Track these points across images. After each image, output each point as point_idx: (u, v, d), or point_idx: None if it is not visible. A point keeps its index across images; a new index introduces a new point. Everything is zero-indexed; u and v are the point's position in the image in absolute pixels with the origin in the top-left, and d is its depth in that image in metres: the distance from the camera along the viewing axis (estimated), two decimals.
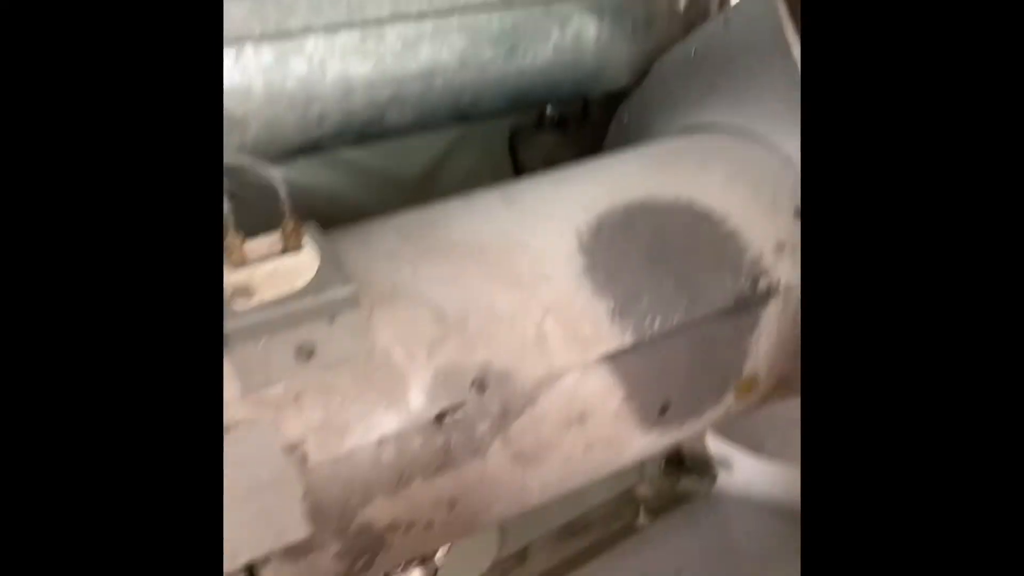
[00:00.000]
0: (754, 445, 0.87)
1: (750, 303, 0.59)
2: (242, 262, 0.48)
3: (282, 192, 0.47)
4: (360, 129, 0.61)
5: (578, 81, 0.71)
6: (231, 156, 0.48)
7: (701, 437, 0.89)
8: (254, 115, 0.54)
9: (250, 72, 0.52)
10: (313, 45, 0.55)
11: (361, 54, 0.57)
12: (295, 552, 0.47)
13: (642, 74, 0.75)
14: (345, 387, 0.47)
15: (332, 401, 0.47)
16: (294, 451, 0.46)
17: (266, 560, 0.46)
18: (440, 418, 0.49)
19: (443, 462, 0.50)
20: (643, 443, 0.59)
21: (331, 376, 0.47)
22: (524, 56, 0.66)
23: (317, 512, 0.47)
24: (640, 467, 0.91)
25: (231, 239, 0.48)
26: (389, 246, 0.54)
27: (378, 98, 0.60)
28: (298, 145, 0.59)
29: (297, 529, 0.46)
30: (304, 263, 0.49)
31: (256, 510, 0.45)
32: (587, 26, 0.68)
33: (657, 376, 0.57)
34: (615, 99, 0.77)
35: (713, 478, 0.90)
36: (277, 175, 0.49)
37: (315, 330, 0.47)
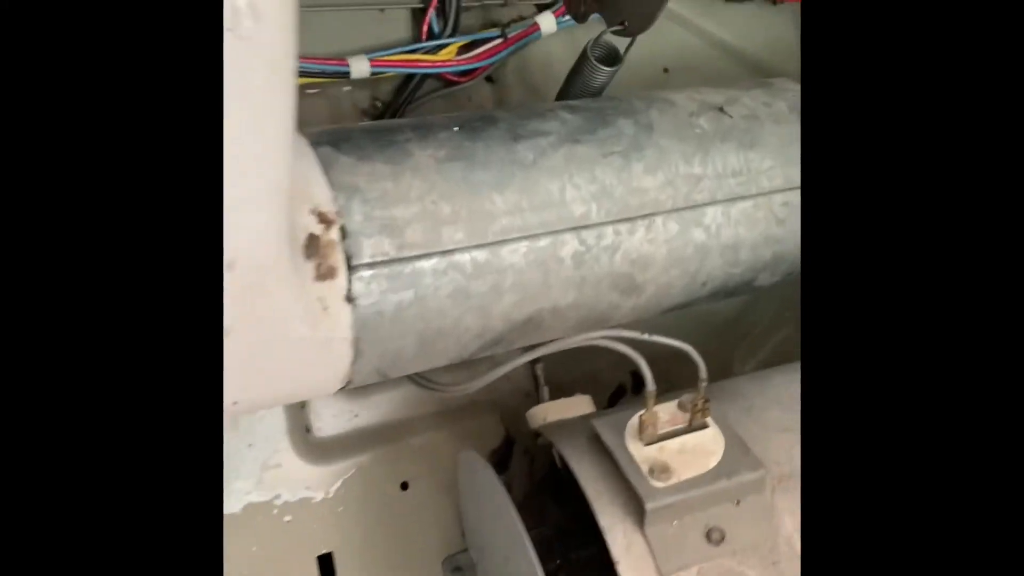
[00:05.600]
0: None
1: None
2: (654, 438, 0.50)
3: (701, 368, 0.49)
4: (732, 289, 0.62)
5: None
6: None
7: None
8: (651, 281, 0.56)
9: (658, 242, 0.55)
10: (712, 215, 0.57)
11: (751, 221, 0.58)
12: None
13: None
14: (753, 574, 0.47)
15: None
16: None
17: None
18: None
19: None
20: None
21: (739, 562, 0.47)
22: None
23: None
24: None
25: (648, 415, 0.50)
26: (776, 417, 0.54)
27: (758, 261, 0.60)
28: (678, 306, 0.61)
29: None
30: (710, 441, 0.50)
31: None
32: None
33: None
34: None
35: None
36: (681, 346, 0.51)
37: (723, 513, 0.48)
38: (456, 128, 0.52)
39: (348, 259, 0.45)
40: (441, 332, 0.50)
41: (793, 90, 0.65)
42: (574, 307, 0.54)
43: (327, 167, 0.47)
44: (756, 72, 0.87)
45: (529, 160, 0.52)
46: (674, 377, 0.60)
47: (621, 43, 0.64)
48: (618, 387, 0.82)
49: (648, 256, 0.55)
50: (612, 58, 0.64)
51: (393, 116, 0.71)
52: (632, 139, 0.56)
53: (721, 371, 0.86)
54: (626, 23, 0.61)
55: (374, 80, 0.70)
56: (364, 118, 0.70)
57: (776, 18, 0.87)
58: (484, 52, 0.71)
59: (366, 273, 0.46)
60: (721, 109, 0.60)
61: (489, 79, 0.76)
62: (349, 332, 0.46)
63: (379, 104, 0.70)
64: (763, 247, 0.60)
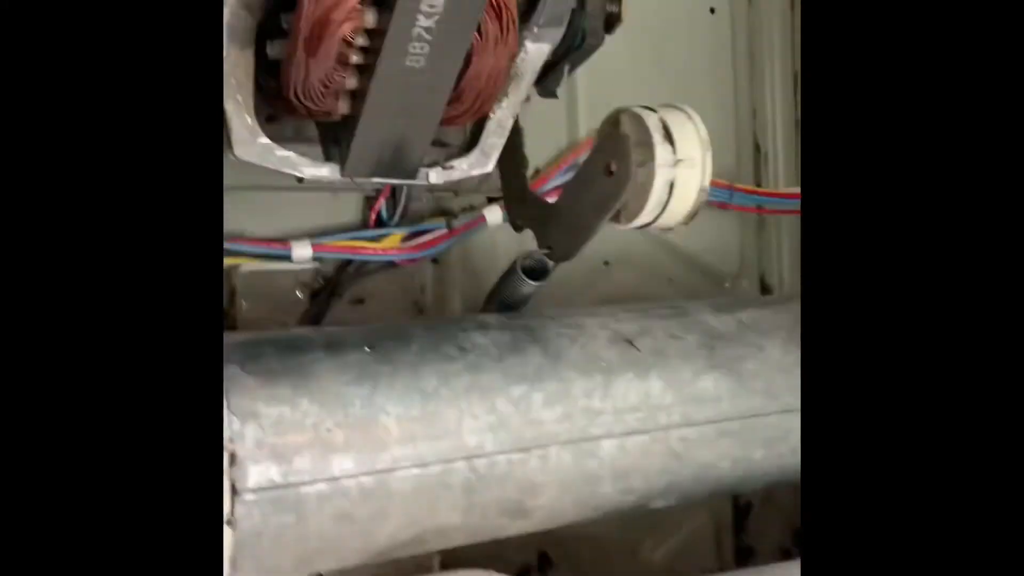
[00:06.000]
0: None
1: None
2: None
3: None
4: (626, 512, 0.65)
5: None
6: None
7: None
8: (541, 507, 0.59)
9: (550, 472, 0.58)
10: (607, 447, 0.59)
11: (647, 454, 0.61)
12: None
13: None
14: None
15: None
16: None
17: None
18: None
19: None
20: None
21: None
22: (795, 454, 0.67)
23: None
24: None
25: None
26: None
27: (653, 490, 0.63)
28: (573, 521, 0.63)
29: None
30: None
31: None
32: None
33: None
34: None
35: None
36: None
37: None
38: (367, 349, 0.55)
39: (233, 484, 0.48)
40: (321, 551, 0.52)
41: (704, 322, 0.68)
42: (460, 528, 0.57)
43: (229, 389, 0.50)
44: (696, 271, 0.92)
45: (432, 388, 0.55)
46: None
47: None
48: (522, 567, 0.84)
49: (540, 484, 0.58)
50: (540, 273, 0.67)
51: (334, 293, 0.74)
52: (537, 370, 0.59)
53: (628, 554, 0.88)
54: (552, 248, 0.65)
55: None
56: (305, 292, 0.73)
57: (721, 221, 0.92)
58: (427, 242, 0.75)
59: (249, 498, 0.48)
60: (630, 342, 0.63)
61: (435, 260, 0.80)
62: (228, 551, 0.48)
63: (322, 280, 0.74)
64: (657, 477, 0.63)
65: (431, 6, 0.45)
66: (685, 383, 0.63)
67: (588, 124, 0.86)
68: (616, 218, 0.59)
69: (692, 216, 0.57)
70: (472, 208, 0.79)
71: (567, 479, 0.59)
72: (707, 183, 0.56)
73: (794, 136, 0.96)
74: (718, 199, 0.87)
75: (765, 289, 0.97)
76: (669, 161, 0.54)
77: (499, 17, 0.50)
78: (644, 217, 0.57)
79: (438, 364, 0.56)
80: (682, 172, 0.55)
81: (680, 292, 0.91)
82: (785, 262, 0.97)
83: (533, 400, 0.58)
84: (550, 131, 0.84)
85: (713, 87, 0.93)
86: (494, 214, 0.78)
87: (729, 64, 0.94)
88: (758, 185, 0.95)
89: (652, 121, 0.55)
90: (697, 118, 0.57)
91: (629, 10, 0.85)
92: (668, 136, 0.55)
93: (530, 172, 0.82)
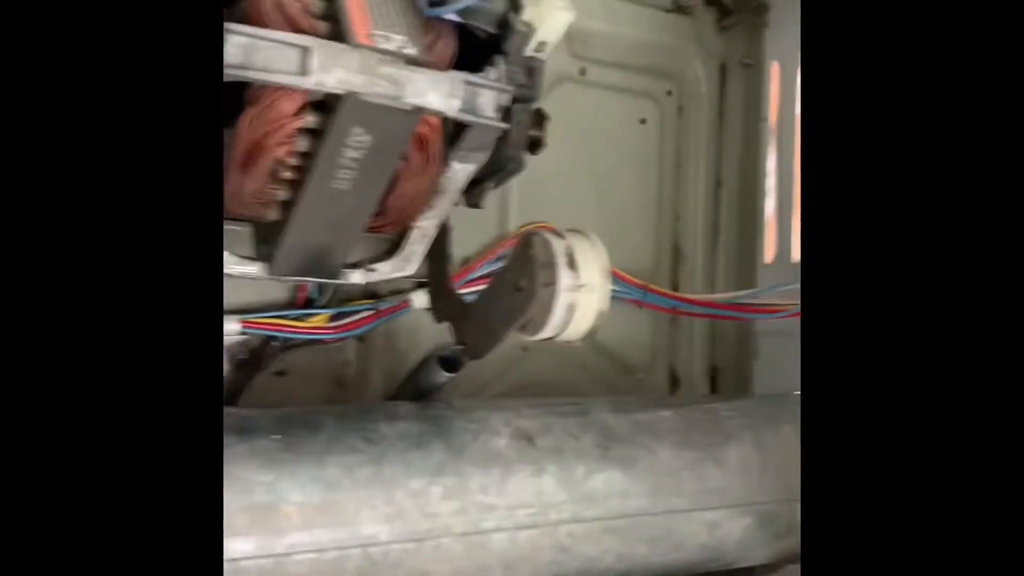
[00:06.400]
0: None
1: None
2: None
3: None
4: None
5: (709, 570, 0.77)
6: None
7: None
8: None
9: (441, 561, 0.62)
10: (498, 540, 0.64)
11: (536, 548, 0.66)
12: None
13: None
14: None
15: None
16: None
17: None
18: None
19: None
20: None
21: None
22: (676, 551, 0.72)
23: None
24: None
25: None
26: None
27: None
28: None
29: None
30: None
31: None
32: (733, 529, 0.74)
33: None
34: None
35: None
36: None
37: None
38: (277, 437, 0.59)
39: None
40: None
41: (602, 421, 0.74)
42: None
43: None
44: (610, 361, 0.97)
45: (334, 478, 0.59)
46: None
47: None
48: None
49: (431, 573, 0.62)
50: (453, 365, 0.72)
51: (259, 363, 0.77)
52: (438, 464, 0.63)
53: None
54: (466, 345, 0.70)
55: None
56: (231, 363, 0.76)
57: (636, 316, 0.98)
58: (352, 323, 0.79)
59: None
60: (531, 440, 0.68)
61: (360, 338, 0.84)
62: None
63: (247, 352, 0.77)
64: (545, 569, 0.67)
65: (359, 141, 0.50)
66: (577, 482, 0.68)
67: (519, 218, 0.91)
68: (523, 329, 0.64)
69: (590, 335, 0.62)
70: (399, 292, 0.83)
71: (458, 569, 0.63)
72: (606, 307, 0.61)
73: (712, 241, 1.03)
74: (634, 297, 0.93)
75: (674, 381, 1.03)
76: (571, 286, 0.60)
77: (423, 149, 0.55)
78: (546, 332, 0.62)
79: (343, 455, 0.60)
80: (583, 296, 0.60)
81: (593, 380, 0.96)
82: (696, 355, 1.04)
83: (431, 493, 0.62)
84: (482, 222, 0.89)
85: (639, 190, 1.00)
86: (420, 299, 0.82)
87: (656, 169, 1.01)
88: (675, 287, 1.01)
89: (559, 247, 0.61)
90: (601, 246, 0.62)
91: (564, 116, 0.92)
92: (572, 262, 0.60)
93: (460, 260, 0.87)
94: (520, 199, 0.91)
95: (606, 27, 0.96)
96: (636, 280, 0.93)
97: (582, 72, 0.95)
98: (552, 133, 0.72)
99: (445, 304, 0.73)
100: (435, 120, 0.57)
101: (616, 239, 0.98)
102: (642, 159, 1.00)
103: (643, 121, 0.99)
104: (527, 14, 0.56)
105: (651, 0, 1.00)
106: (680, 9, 1.02)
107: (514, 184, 0.91)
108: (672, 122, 1.01)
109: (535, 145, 0.68)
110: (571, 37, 0.94)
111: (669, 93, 1.01)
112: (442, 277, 0.73)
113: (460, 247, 0.88)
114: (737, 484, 0.76)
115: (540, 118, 0.67)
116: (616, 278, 0.92)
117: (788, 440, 0.81)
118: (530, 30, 0.57)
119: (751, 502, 0.77)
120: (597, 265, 0.61)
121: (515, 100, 0.60)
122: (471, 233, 0.87)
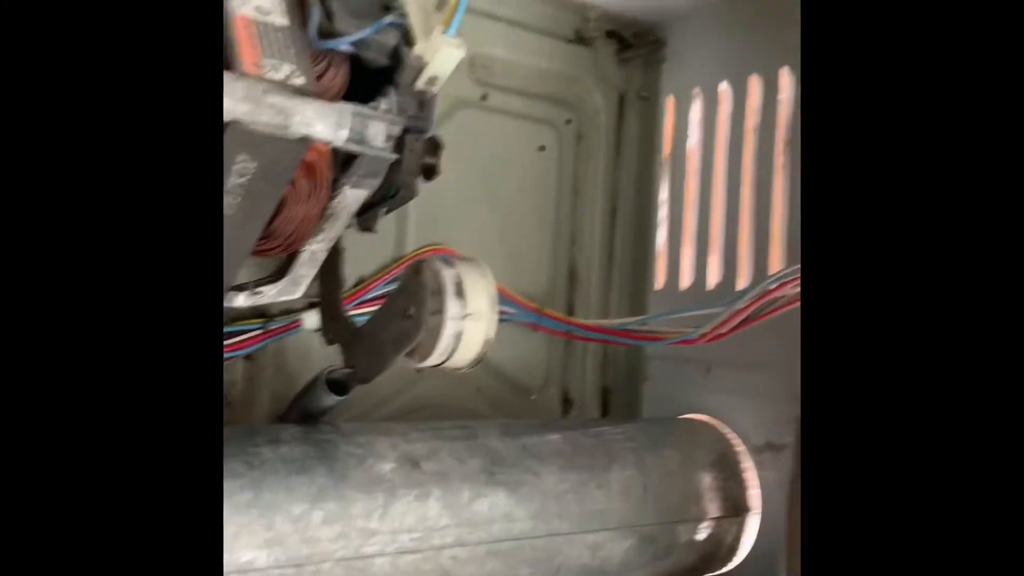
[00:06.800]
0: None
1: None
2: None
3: None
4: None
5: None
6: None
7: None
8: None
9: None
10: (379, 565, 0.64)
11: (418, 572, 0.66)
12: None
13: None
14: None
15: None
16: None
17: None
18: None
19: None
20: None
21: None
22: (557, 573, 0.74)
23: None
24: None
25: None
26: None
27: None
28: None
29: None
30: None
31: None
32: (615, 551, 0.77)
33: None
34: None
35: None
36: None
37: None
38: None
39: None
40: None
41: (489, 445, 0.75)
42: None
43: None
44: (503, 382, 0.99)
45: None
46: None
47: None
48: None
49: None
50: (342, 388, 0.72)
51: None
52: (320, 490, 0.63)
53: None
54: (355, 368, 0.70)
55: None
56: None
57: (530, 338, 0.99)
58: (240, 342, 0.78)
59: None
60: (416, 464, 0.69)
61: (247, 356, 0.82)
62: None
63: None
64: None
65: (243, 169, 0.50)
66: (462, 506, 0.69)
67: (416, 240, 0.92)
68: (411, 355, 0.64)
69: (477, 362, 0.64)
70: (290, 312, 0.82)
71: None
72: (492, 335, 0.63)
73: (607, 267, 1.06)
74: (528, 320, 0.95)
75: (567, 402, 1.05)
76: (458, 315, 0.61)
77: (311, 175, 0.55)
78: (434, 359, 0.63)
79: (224, 480, 0.59)
80: (470, 325, 0.61)
81: (487, 401, 0.97)
82: (588, 377, 1.06)
83: (312, 519, 0.62)
84: (380, 243, 0.89)
85: (537, 215, 1.02)
86: (312, 319, 0.82)
87: (554, 196, 1.03)
88: (570, 310, 1.03)
89: (448, 275, 0.61)
90: (490, 275, 0.63)
91: (465, 140, 0.93)
92: (460, 291, 0.61)
93: (355, 280, 0.87)
94: (418, 221, 0.92)
95: (509, 55, 0.98)
96: (531, 304, 0.95)
97: (484, 98, 0.97)
98: (452, 156, 0.73)
99: (335, 326, 0.73)
100: (324, 147, 0.57)
101: (514, 262, 1.01)
102: (541, 185, 1.02)
103: (542, 148, 1.01)
104: (419, 48, 0.57)
105: (553, 30, 1.02)
106: (581, 40, 1.05)
107: (412, 206, 0.91)
108: (571, 150, 1.04)
109: (429, 172, 0.68)
110: (474, 63, 0.95)
111: (568, 122, 1.04)
112: (333, 299, 0.72)
113: (356, 267, 0.88)
114: (619, 507, 0.78)
115: (435, 146, 0.68)
116: (511, 301, 0.94)
117: (670, 464, 0.85)
118: (421, 64, 0.57)
119: (632, 524, 0.79)
120: (485, 294, 0.62)
121: (407, 130, 0.61)
122: (368, 253, 0.88)
